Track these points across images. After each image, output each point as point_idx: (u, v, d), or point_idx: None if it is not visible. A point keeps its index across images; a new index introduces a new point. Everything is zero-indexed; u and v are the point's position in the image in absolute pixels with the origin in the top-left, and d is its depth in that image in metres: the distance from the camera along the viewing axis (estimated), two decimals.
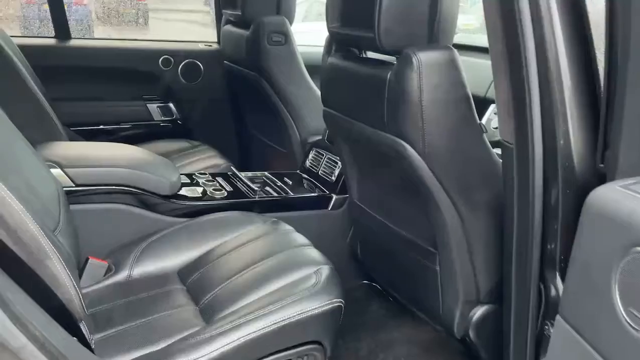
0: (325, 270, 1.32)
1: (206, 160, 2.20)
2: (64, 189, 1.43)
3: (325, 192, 1.89)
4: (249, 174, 2.02)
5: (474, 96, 1.23)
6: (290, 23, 2.17)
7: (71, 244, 1.33)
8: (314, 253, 1.41)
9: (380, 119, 1.28)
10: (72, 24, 4.50)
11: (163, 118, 2.58)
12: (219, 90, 2.61)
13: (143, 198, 1.57)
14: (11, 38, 2.16)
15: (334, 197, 1.87)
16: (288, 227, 1.56)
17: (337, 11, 1.38)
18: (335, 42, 1.47)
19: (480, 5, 1.06)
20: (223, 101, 2.64)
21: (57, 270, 0.93)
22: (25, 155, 1.31)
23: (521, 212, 1.11)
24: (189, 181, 1.82)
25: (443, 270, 1.37)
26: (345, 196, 1.83)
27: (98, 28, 5.01)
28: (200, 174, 1.87)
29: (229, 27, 2.36)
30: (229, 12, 2.29)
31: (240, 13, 2.14)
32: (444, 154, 1.23)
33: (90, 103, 2.43)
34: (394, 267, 1.62)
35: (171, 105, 2.60)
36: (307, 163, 2.08)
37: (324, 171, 1.97)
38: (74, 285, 0.97)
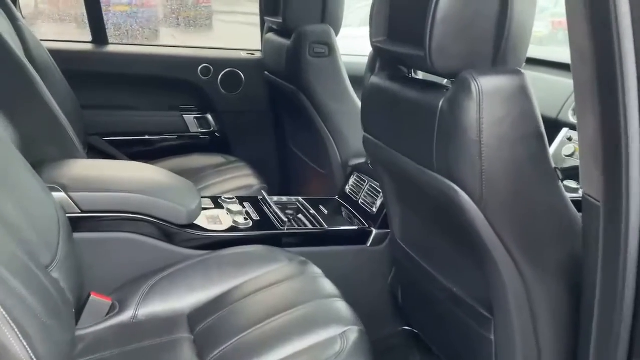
0: (353, 333, 1.11)
1: (239, 179, 2.02)
2: (68, 215, 1.29)
3: (364, 225, 1.67)
4: (283, 199, 1.83)
5: (543, 118, 0.99)
6: (337, 32, 1.96)
7: (70, 278, 1.18)
8: (342, 309, 1.20)
9: (428, 155, 1.05)
10: (138, 25, 4.54)
11: (200, 130, 2.43)
12: (260, 102, 2.44)
13: (156, 227, 1.40)
14: (44, 43, 2.07)
15: (374, 231, 1.64)
16: (316, 270, 1.35)
17: (382, 22, 1.15)
18: (380, 59, 1.25)
19: (553, 11, 0.82)
20: (264, 114, 2.47)
21: (6, 339, 0.76)
22: (22, 178, 1.17)
23: (607, 286, 0.86)
24: (212, 205, 1.65)
25: (499, 341, 1.12)
26: (387, 231, 1.60)
27: (163, 29, 5.05)
28: (228, 198, 1.69)
29: (270, 36, 2.18)
30: (270, 19, 2.11)
31: (281, 21, 1.95)
32: (506, 204, 0.99)
33: (125, 112, 2.32)
34: (440, 325, 1.38)
35: (209, 116, 2.45)
36: (347, 189, 1.86)
37: (364, 200, 1.74)
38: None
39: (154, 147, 2.36)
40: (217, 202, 1.68)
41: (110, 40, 2.33)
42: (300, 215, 1.73)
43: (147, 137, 2.35)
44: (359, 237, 1.65)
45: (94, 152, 2.23)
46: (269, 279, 1.32)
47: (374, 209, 1.68)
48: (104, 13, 4.30)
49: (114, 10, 4.58)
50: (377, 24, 1.17)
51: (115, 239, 1.37)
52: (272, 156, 2.50)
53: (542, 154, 0.97)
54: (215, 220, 1.54)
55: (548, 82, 1.79)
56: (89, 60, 2.26)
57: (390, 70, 1.23)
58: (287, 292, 1.27)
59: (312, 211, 1.74)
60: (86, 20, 2.25)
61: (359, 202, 1.77)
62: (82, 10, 2.27)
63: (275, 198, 1.81)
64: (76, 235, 1.30)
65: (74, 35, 3.73)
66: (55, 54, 1.99)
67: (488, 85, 0.93)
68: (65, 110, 1.91)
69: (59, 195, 1.30)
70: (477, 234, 1.02)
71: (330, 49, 1.89)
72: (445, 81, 1.10)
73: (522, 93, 0.94)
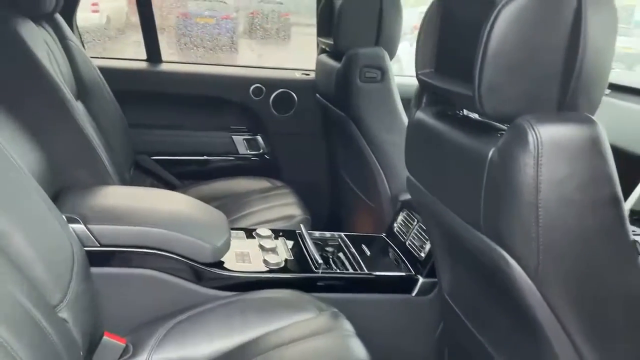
0: None
1: (282, 208, 1.90)
2: (86, 248, 1.22)
3: (410, 271, 1.49)
4: (326, 234, 1.68)
5: (629, 155, 0.79)
6: (392, 56, 1.80)
7: (82, 318, 1.10)
8: None
9: (475, 212, 0.88)
10: (219, 36, 4.61)
11: (249, 152, 2.34)
12: (312, 125, 2.32)
13: (178, 264, 1.31)
14: (97, 60, 2.07)
15: (421, 280, 1.46)
16: (348, 327, 1.19)
17: (428, 52, 0.99)
18: (427, 93, 1.08)
19: None
20: (316, 137, 2.34)
21: None
22: (37, 210, 1.11)
23: None
24: (244, 238, 1.53)
25: None
26: (436, 281, 1.42)
27: (242, 41, 5.15)
28: (262, 232, 1.57)
29: (322, 57, 2.06)
30: (322, 40, 1.99)
31: (332, 42, 1.82)
32: (569, 283, 0.80)
33: (174, 132, 2.27)
34: None
35: (259, 138, 2.36)
36: (395, 226, 1.69)
37: (412, 242, 1.56)
38: None
39: (201, 168, 2.30)
40: (250, 234, 1.57)
41: (195, 49, 2.31)
42: (340, 254, 1.58)
43: (195, 157, 2.30)
44: (404, 285, 1.47)
45: (141, 170, 2.20)
46: (294, 333, 1.18)
47: (422, 254, 1.50)
48: (187, 24, 4.44)
49: (198, 21, 4.70)
50: (424, 54, 1.01)
51: (135, 275, 1.29)
52: (321, 182, 2.37)
53: (617, 224, 0.77)
54: (244, 258, 1.43)
55: (636, 113, 1.54)
56: (140, 79, 2.24)
57: (438, 106, 1.06)
58: (310, 351, 1.13)
59: (354, 250, 1.59)
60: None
61: (407, 243, 1.59)
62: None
63: (317, 233, 1.67)
64: (94, 270, 1.24)
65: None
66: (107, 72, 1.97)
67: (550, 136, 0.75)
68: (113, 129, 1.89)
69: (78, 227, 1.23)
70: (530, 311, 0.84)
71: (382, 74, 1.73)
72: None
73: (594, 147, 0.75)
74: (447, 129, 0.99)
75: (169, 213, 1.35)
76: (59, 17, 1.79)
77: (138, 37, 2.26)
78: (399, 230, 1.67)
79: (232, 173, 2.24)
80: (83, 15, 3.56)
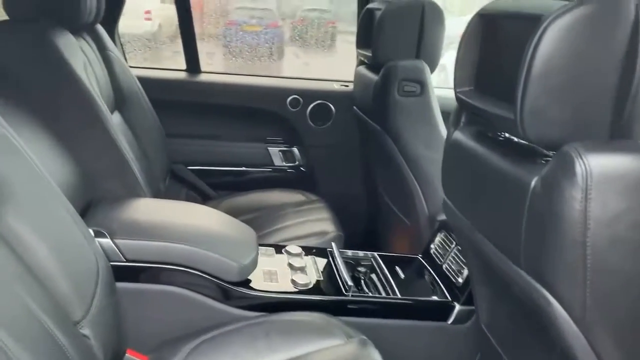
0: None
1: (315, 223, 1.85)
2: (112, 263, 1.20)
3: (446, 297, 1.41)
4: (359, 253, 1.62)
5: None
6: (433, 69, 1.73)
7: (104, 334, 1.09)
8: None
9: (514, 246, 0.80)
10: (265, 44, 4.67)
11: (284, 163, 2.31)
12: (350, 137, 2.27)
13: (203, 282, 1.27)
14: (136, 70, 2.08)
15: (457, 307, 1.38)
16: (376, 357, 1.13)
17: (468, 69, 0.92)
18: (466, 112, 1.01)
19: None
20: (353, 150, 2.28)
21: None
22: (63, 223, 1.10)
23: None
24: (273, 255, 1.49)
25: None
26: (473, 308, 1.33)
27: (288, 48, 5.19)
28: (290, 250, 1.52)
29: (361, 69, 2.00)
30: (361, 51, 1.93)
31: (370, 54, 1.76)
32: (618, 329, 0.71)
33: (210, 142, 2.26)
34: None
35: (295, 149, 2.33)
36: (432, 248, 1.60)
37: (450, 266, 1.48)
38: None
39: (236, 179, 2.29)
40: (280, 250, 1.52)
41: (240, 56, 2.30)
42: (373, 275, 1.51)
43: (230, 168, 2.28)
44: (439, 312, 1.39)
45: (176, 180, 2.20)
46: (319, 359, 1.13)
47: (460, 279, 1.41)
48: (234, 32, 4.49)
49: (245, 29, 4.76)
50: (463, 71, 0.94)
51: (159, 292, 1.27)
52: (358, 196, 2.30)
53: None
54: (272, 277, 1.38)
55: None
56: (179, 89, 2.25)
57: (478, 126, 0.99)
58: None
59: (387, 272, 1.52)
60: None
61: (444, 266, 1.51)
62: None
63: (349, 252, 1.61)
64: (118, 284, 1.22)
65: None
66: (146, 81, 1.98)
67: (600, 167, 0.67)
68: (149, 138, 1.89)
69: (104, 241, 1.22)
70: (572, 351, 0.75)
71: (422, 88, 1.66)
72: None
73: None
74: (487, 151, 0.91)
75: (196, 228, 1.33)
76: (99, 28, 1.81)
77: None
78: (436, 252, 1.58)
79: (267, 185, 2.21)
80: (136, 23, 3.65)
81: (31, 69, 1.36)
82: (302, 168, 2.34)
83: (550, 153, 0.79)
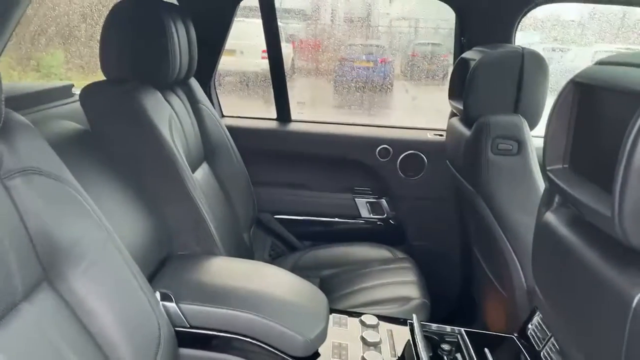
0: None
1: (397, 287, 1.72)
2: (176, 329, 1.18)
3: None
4: (446, 328, 1.45)
5: None
6: (533, 125, 1.55)
7: None
8: None
9: None
10: (375, 78, 4.75)
11: (372, 216, 2.21)
12: (443, 190, 2.12)
13: (266, 355, 1.20)
14: (227, 119, 2.12)
15: None
16: None
17: (559, 144, 0.78)
18: (559, 193, 0.86)
19: None
20: (447, 203, 2.13)
21: None
22: (128, 287, 1.09)
23: None
24: (346, 324, 1.38)
25: None
26: None
27: (398, 82, 5.20)
28: (365, 320, 1.40)
29: (453, 121, 1.86)
30: (452, 103, 1.80)
31: (462, 107, 1.63)
32: None
33: (296, 191, 2.23)
34: None
35: (384, 201, 2.22)
36: (530, 328, 1.40)
37: (548, 354, 1.27)
38: None
39: (322, 229, 2.23)
40: (355, 319, 1.41)
41: (352, 91, 2.31)
42: (458, 355, 1.35)
43: (316, 218, 2.23)
44: None
45: (262, 228, 2.19)
46: None
47: None
48: (346, 68, 4.62)
49: (357, 65, 4.87)
50: (554, 145, 0.80)
51: None
52: (450, 254, 2.13)
53: None
54: (341, 353, 1.28)
55: None
56: (268, 138, 2.25)
57: (573, 210, 0.83)
58: None
59: (474, 354, 1.34)
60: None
61: (542, 353, 1.30)
62: None
63: (433, 326, 1.45)
64: (182, 350, 1.19)
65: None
66: (236, 131, 2.01)
67: None
68: (235, 188, 1.90)
69: (170, 305, 1.20)
70: None
71: (520, 146, 1.49)
72: None
73: None
74: (582, 245, 0.75)
75: (264, 295, 1.27)
76: (193, 82, 1.87)
77: (301, 81, 2.30)
78: (533, 333, 1.38)
79: (353, 237, 2.13)
80: (254, 61, 3.85)
81: (115, 127, 1.41)
82: (390, 221, 2.22)
83: None
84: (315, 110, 4.20)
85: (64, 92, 2.11)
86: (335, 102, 4.57)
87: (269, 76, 2.27)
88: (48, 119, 1.51)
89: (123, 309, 1.04)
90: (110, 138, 1.41)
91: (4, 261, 0.83)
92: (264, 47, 2.24)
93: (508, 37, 1.91)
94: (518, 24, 1.94)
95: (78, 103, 1.54)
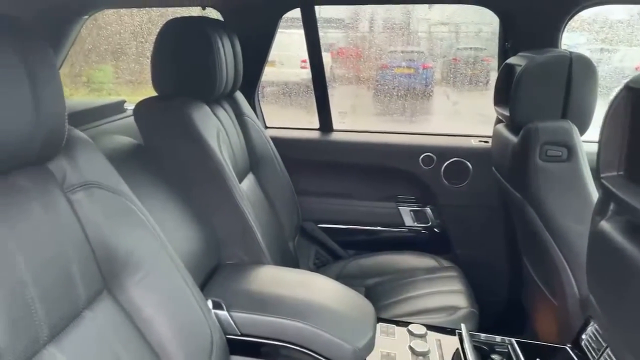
0: None
1: (444, 296, 1.70)
2: (227, 337, 1.21)
3: None
4: (495, 338, 1.43)
5: None
6: (583, 130, 1.51)
7: None
8: None
9: None
10: (416, 85, 4.77)
11: (416, 224, 2.19)
12: (489, 197, 2.08)
13: None
14: (271, 130, 2.15)
15: None
16: None
17: (613, 151, 0.76)
18: (614, 201, 0.84)
19: None
20: (494, 210, 2.09)
21: None
22: (181, 295, 1.13)
23: None
24: (393, 334, 1.38)
25: None
26: None
27: (438, 88, 5.18)
28: (413, 330, 1.39)
29: (499, 127, 1.83)
30: (498, 109, 1.77)
31: (508, 114, 1.60)
32: None
33: (340, 200, 2.24)
34: None
35: (428, 209, 2.20)
36: (584, 338, 1.36)
37: None
38: None
39: (366, 238, 2.22)
40: (403, 328, 1.41)
41: (393, 98, 2.31)
42: None
43: (359, 226, 2.23)
44: None
45: (306, 237, 2.21)
46: None
47: None
48: (387, 75, 4.65)
49: (398, 72, 4.88)
50: (608, 153, 0.78)
51: None
52: (498, 263, 2.09)
53: None
54: None
55: None
56: (311, 148, 2.28)
57: (628, 217, 0.81)
58: None
59: None
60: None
61: None
62: None
63: (482, 336, 1.43)
64: (233, 358, 1.22)
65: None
66: (280, 141, 2.05)
67: None
68: (280, 197, 1.93)
69: (221, 313, 1.23)
70: None
71: (570, 152, 1.45)
72: None
73: None
74: (639, 253, 0.74)
75: (312, 304, 1.28)
76: (238, 95, 1.91)
77: (340, 90, 2.32)
78: (587, 344, 1.34)
79: (397, 246, 2.12)
80: (293, 71, 3.92)
81: (166, 141, 1.46)
82: (435, 229, 2.20)
83: None
84: (356, 118, 4.21)
85: (117, 108, 2.20)
86: (375, 110, 4.57)
87: (308, 85, 2.30)
88: (102, 134, 1.58)
89: (177, 317, 1.07)
90: (161, 151, 1.46)
91: (69, 271, 0.88)
92: (303, 58, 2.28)
93: (554, 41, 1.87)
94: (564, 27, 1.90)
95: (130, 118, 1.61)
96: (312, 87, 2.26)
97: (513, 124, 1.60)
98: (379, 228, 2.23)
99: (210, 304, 1.23)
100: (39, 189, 0.88)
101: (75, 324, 0.87)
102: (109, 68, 3.82)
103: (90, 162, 1.01)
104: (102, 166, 1.04)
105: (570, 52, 1.53)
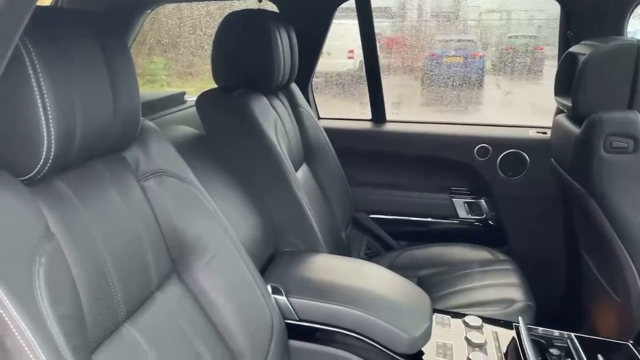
0: None
1: (500, 289, 1.68)
2: (286, 321, 1.24)
3: None
4: (553, 332, 1.40)
5: None
6: None
7: None
8: None
9: None
10: (466, 74, 4.70)
11: (470, 216, 2.17)
12: (546, 190, 2.03)
13: (372, 350, 1.23)
14: (324, 122, 2.17)
15: None
16: None
17: None
18: None
19: None
20: (552, 203, 2.04)
21: None
22: (244, 279, 1.17)
23: None
24: (449, 325, 1.38)
25: None
26: None
27: (490, 77, 5.10)
28: (469, 321, 1.39)
29: (560, 118, 1.78)
30: (559, 99, 1.72)
31: (570, 105, 1.56)
32: None
33: (393, 191, 2.24)
34: None
35: (482, 201, 2.17)
36: None
37: None
38: None
39: (418, 229, 2.22)
40: (458, 319, 1.41)
41: (442, 88, 2.29)
42: None
43: (412, 218, 2.22)
44: None
45: (358, 228, 2.22)
46: None
47: None
48: (436, 64, 4.60)
49: (447, 61, 4.81)
50: None
51: (329, 354, 1.26)
52: (555, 257, 2.04)
53: None
54: (446, 352, 1.28)
55: None
56: (364, 138, 2.28)
57: None
58: None
59: (586, 359, 1.29)
60: None
61: None
62: None
63: (540, 329, 1.41)
64: (291, 342, 1.25)
65: None
66: (333, 132, 2.06)
67: None
68: (333, 187, 1.96)
69: (281, 298, 1.27)
70: None
71: (636, 143, 1.40)
72: None
73: None
74: None
75: (368, 293, 1.30)
76: (293, 86, 1.94)
77: (387, 80, 2.31)
78: None
79: (450, 238, 2.10)
80: (341, 61, 3.94)
81: (227, 131, 1.51)
82: (490, 222, 2.17)
83: None
84: (406, 109, 4.18)
85: (178, 99, 2.28)
86: (423, 100, 4.52)
87: (353, 75, 2.30)
88: (166, 124, 1.64)
89: (240, 300, 1.11)
90: (222, 141, 1.51)
91: (143, 255, 0.93)
92: (350, 48, 2.27)
93: (619, 29, 1.80)
94: (630, 14, 1.83)
95: (190, 109, 1.66)
96: (357, 77, 2.26)
97: (575, 115, 1.56)
98: (430, 219, 2.22)
99: (269, 289, 1.27)
100: (116, 176, 0.93)
101: (147, 305, 0.92)
102: (161, 60, 3.94)
103: (160, 151, 1.06)
104: (171, 155, 1.09)
105: (638, 41, 1.48)
